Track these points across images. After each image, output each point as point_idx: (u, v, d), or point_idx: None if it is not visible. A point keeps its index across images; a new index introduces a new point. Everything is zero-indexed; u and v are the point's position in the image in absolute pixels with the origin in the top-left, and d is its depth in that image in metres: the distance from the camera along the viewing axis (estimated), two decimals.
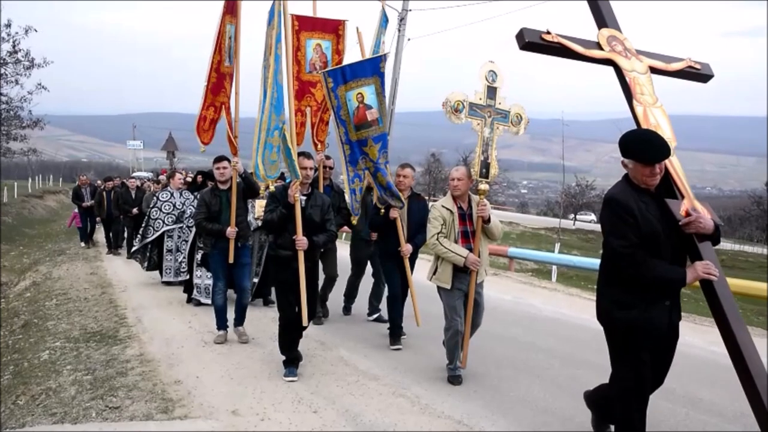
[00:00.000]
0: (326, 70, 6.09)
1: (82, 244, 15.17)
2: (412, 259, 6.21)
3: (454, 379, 5.09)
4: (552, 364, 5.71)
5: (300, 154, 5.26)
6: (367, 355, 5.77)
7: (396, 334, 6.15)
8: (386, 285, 6.49)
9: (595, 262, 12.47)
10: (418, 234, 6.12)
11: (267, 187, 6.25)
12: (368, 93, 5.78)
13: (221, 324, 6.27)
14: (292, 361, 5.17)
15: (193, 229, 7.80)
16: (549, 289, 10.60)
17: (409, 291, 6.12)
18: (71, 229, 17.34)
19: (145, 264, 9.65)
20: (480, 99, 4.89)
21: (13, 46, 22.33)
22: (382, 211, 5.96)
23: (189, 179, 10.32)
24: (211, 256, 6.26)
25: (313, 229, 5.15)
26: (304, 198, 5.16)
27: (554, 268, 13.57)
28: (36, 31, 22.60)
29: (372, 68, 5.81)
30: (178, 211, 8.94)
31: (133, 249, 10.16)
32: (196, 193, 8.15)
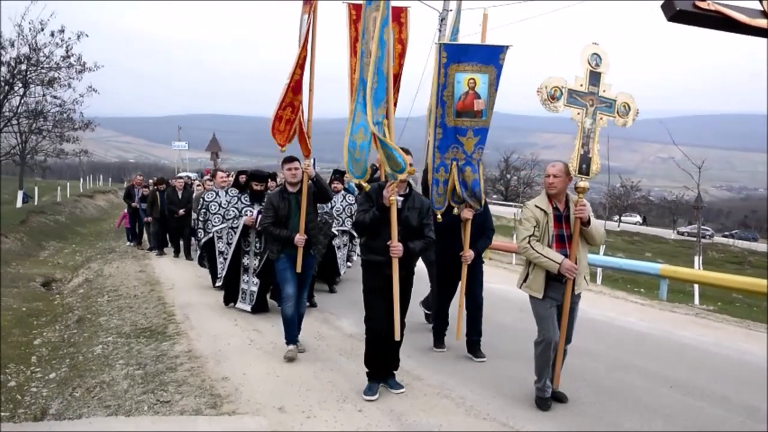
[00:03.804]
0: (444, 42, 5.67)
1: (129, 244, 15.48)
2: (475, 265, 5.76)
3: (542, 403, 4.53)
4: (597, 368, 5.61)
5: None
6: (411, 355, 5.74)
7: (440, 336, 6.10)
8: (434, 291, 6.25)
9: (640, 265, 12.22)
10: (479, 238, 5.72)
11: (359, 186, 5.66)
12: (481, 81, 5.30)
13: (291, 338, 5.69)
14: (376, 376, 4.76)
15: (238, 231, 7.53)
16: (594, 291, 10.40)
17: (465, 300, 5.75)
18: (120, 228, 17.85)
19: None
20: (581, 86, 4.39)
21: (66, 51, 23.14)
22: (456, 210, 5.52)
23: (231, 178, 10.28)
24: (278, 261, 5.74)
25: (410, 233, 4.62)
26: (401, 199, 4.62)
27: (599, 270, 13.33)
28: (87, 36, 23.38)
29: (490, 57, 5.32)
30: (224, 209, 8.40)
31: (198, 256, 10.25)
32: (237, 192, 8.04)
